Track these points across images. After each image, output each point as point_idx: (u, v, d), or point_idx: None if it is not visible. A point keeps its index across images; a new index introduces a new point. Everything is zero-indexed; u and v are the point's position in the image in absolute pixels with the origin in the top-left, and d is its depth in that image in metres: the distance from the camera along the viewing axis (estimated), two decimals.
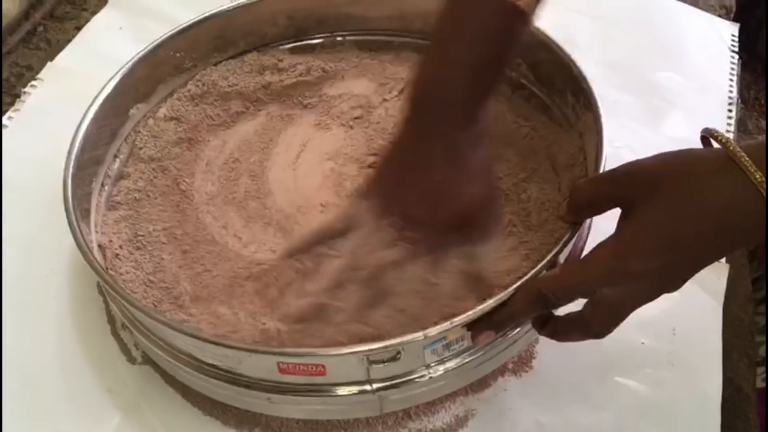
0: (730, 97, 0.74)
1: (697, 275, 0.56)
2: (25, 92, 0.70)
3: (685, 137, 0.69)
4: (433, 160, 0.49)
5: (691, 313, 0.56)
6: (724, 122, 0.72)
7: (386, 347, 0.42)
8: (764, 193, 0.36)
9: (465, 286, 0.48)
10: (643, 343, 0.54)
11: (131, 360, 0.54)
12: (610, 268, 0.40)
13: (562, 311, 0.45)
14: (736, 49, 0.78)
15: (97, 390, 0.52)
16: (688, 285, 0.56)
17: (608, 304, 0.42)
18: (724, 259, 0.60)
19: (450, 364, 0.46)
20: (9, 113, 0.69)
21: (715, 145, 0.40)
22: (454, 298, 0.48)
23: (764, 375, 0.59)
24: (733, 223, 0.38)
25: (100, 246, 0.54)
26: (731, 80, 0.75)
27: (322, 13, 0.66)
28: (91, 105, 0.57)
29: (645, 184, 0.39)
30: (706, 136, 0.41)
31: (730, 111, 0.72)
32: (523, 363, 0.53)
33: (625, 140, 0.68)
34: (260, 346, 0.46)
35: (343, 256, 0.49)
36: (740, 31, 0.81)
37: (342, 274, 0.49)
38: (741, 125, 0.77)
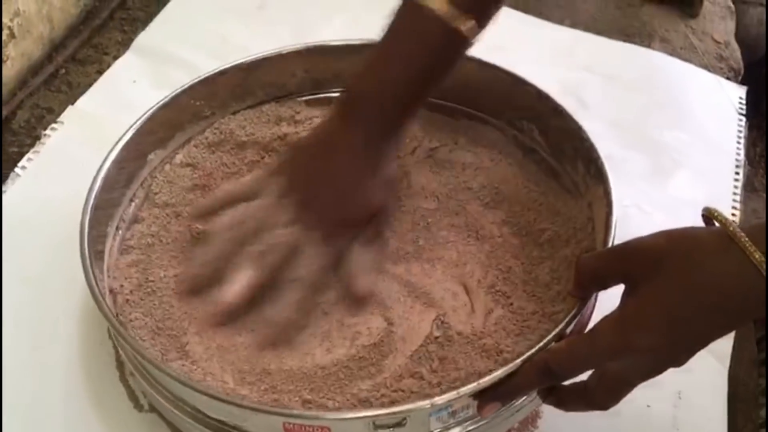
0: (737, 159, 0.75)
1: None
2: (45, 134, 0.71)
3: (691, 198, 0.70)
4: (345, 157, 0.53)
5: (696, 377, 0.56)
6: (731, 184, 0.72)
7: (393, 414, 0.43)
8: (764, 272, 0.37)
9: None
10: (648, 407, 0.55)
11: (138, 407, 0.54)
12: (615, 343, 0.41)
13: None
14: (744, 112, 0.79)
15: None
16: None
17: (613, 378, 0.43)
18: None
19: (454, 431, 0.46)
20: (29, 155, 0.70)
21: (716, 224, 0.41)
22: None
23: None
24: (734, 301, 0.39)
25: (111, 291, 0.55)
26: (738, 142, 0.76)
27: (339, 67, 0.68)
28: (112, 149, 0.58)
29: (649, 262, 0.41)
30: (707, 215, 0.42)
31: (737, 174, 0.73)
32: (528, 423, 0.53)
33: (633, 199, 0.69)
34: (266, 406, 0.46)
35: (241, 221, 0.53)
36: (748, 91, 0.82)
37: (232, 245, 0.52)
38: (747, 183, 0.78)
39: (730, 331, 0.41)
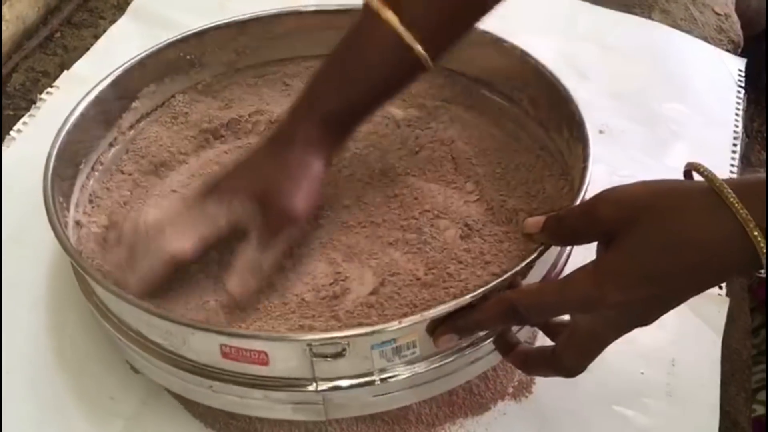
0: (735, 131, 0.75)
1: (697, 307, 0.57)
2: (40, 98, 0.71)
3: None
4: (272, 163, 0.50)
5: (690, 345, 0.57)
6: (728, 157, 0.72)
7: (330, 339, 0.42)
8: (751, 230, 0.36)
9: None
10: (642, 374, 0.55)
11: (134, 369, 0.54)
12: (587, 295, 0.39)
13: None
14: (743, 84, 0.79)
15: (99, 397, 0.53)
16: (689, 316, 0.58)
17: (583, 336, 0.42)
18: (724, 292, 0.61)
19: (401, 373, 0.45)
20: (24, 119, 0.70)
21: (697, 178, 0.40)
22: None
23: (763, 401, 0.60)
24: (716, 259, 0.38)
25: (77, 223, 0.55)
26: (737, 115, 0.76)
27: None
28: (91, 90, 0.58)
29: (628, 217, 0.39)
30: (690, 170, 0.41)
31: (735, 146, 0.73)
32: (523, 388, 0.54)
33: (631, 170, 0.69)
34: (203, 324, 0.45)
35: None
36: (747, 64, 0.82)
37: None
38: (744, 157, 0.78)
39: (707, 289, 0.39)
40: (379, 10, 0.48)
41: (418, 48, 0.48)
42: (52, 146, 0.54)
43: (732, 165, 0.72)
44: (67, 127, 0.55)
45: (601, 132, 0.73)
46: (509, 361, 0.47)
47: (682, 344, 0.57)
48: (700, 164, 0.40)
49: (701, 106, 0.76)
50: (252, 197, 0.49)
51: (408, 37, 0.48)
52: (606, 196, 0.41)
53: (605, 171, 0.67)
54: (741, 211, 0.36)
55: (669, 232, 0.38)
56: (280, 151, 0.51)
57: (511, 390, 0.54)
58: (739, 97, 0.78)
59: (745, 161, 0.83)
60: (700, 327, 0.58)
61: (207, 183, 0.52)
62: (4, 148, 0.68)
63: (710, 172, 0.39)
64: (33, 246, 0.60)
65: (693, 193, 0.39)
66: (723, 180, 0.38)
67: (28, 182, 0.64)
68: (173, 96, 0.65)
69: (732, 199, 0.37)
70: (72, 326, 0.57)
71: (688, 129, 0.74)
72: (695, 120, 0.75)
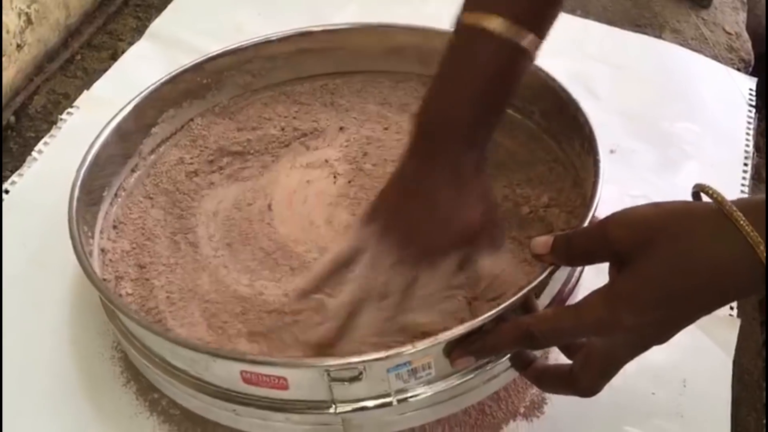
0: (746, 151, 0.75)
1: (708, 327, 0.58)
2: (61, 119, 0.73)
3: None
4: (434, 184, 0.51)
5: (701, 366, 0.57)
6: (739, 175, 0.73)
7: (347, 364, 0.43)
8: (760, 251, 0.37)
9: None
10: (653, 394, 0.55)
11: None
12: (602, 319, 0.40)
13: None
14: (754, 103, 0.80)
15: (119, 417, 0.54)
16: (700, 337, 0.58)
17: (599, 358, 0.43)
18: (735, 313, 0.61)
19: (418, 394, 0.46)
20: (45, 139, 0.71)
21: (706, 199, 0.40)
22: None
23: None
24: (728, 281, 0.38)
25: (103, 250, 0.56)
26: (748, 134, 0.77)
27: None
28: (113, 118, 0.59)
29: (640, 240, 0.40)
30: (699, 191, 0.41)
31: (746, 165, 0.73)
32: (534, 408, 0.54)
33: (643, 190, 0.69)
34: (222, 351, 0.47)
35: (352, 281, 0.50)
36: (758, 82, 0.82)
37: (354, 299, 0.49)
38: (756, 173, 0.78)
39: (718, 308, 0.40)
40: (480, 19, 0.49)
41: (526, 39, 0.49)
42: (76, 177, 0.55)
43: (743, 183, 0.72)
44: (89, 158, 0.57)
45: (612, 152, 0.73)
46: (525, 377, 0.48)
47: (693, 364, 0.57)
48: (709, 186, 0.40)
49: (712, 125, 0.77)
50: (460, 242, 0.50)
51: (517, 35, 0.49)
52: (618, 219, 0.42)
53: (616, 191, 0.67)
54: (751, 234, 0.37)
55: (681, 255, 0.39)
56: (446, 182, 0.50)
57: (522, 410, 0.54)
58: (749, 116, 0.78)
59: (757, 178, 0.84)
60: (710, 347, 0.58)
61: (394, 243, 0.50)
62: (26, 168, 0.69)
63: (719, 194, 0.39)
64: (55, 266, 0.61)
65: (704, 215, 0.39)
66: (732, 201, 0.39)
67: (49, 202, 0.65)
68: (191, 119, 0.66)
69: (742, 222, 0.37)
70: (93, 346, 0.58)
71: (700, 148, 0.74)
72: (706, 139, 0.75)
